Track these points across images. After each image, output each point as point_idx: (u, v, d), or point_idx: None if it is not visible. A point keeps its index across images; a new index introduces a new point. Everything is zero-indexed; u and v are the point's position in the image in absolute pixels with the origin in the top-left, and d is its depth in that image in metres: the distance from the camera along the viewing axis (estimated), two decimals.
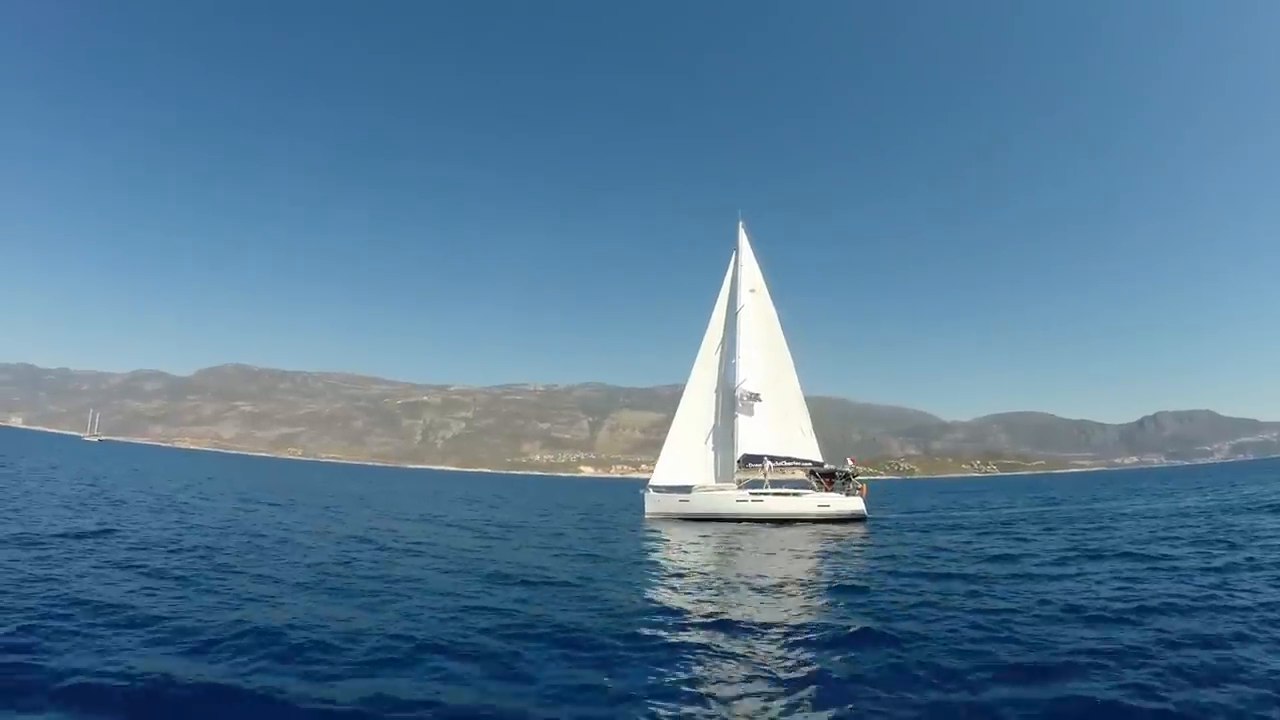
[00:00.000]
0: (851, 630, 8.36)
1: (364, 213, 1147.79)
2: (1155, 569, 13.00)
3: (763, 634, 8.40)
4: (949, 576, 12.71)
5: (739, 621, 8.98)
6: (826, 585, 12.29)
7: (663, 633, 8.39)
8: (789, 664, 7.16)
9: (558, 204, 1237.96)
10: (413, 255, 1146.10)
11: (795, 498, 28.80)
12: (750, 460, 30.61)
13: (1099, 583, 11.64)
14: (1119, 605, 9.65)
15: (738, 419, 31.01)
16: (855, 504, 28.47)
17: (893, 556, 16.16)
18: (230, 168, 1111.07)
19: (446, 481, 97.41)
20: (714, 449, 31.29)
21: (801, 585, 12.39)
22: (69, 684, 5.92)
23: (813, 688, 6.40)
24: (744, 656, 7.44)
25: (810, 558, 16.64)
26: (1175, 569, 12.87)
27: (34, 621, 7.49)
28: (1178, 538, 18.29)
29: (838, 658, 7.35)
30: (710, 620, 9.13)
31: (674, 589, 11.92)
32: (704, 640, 8.06)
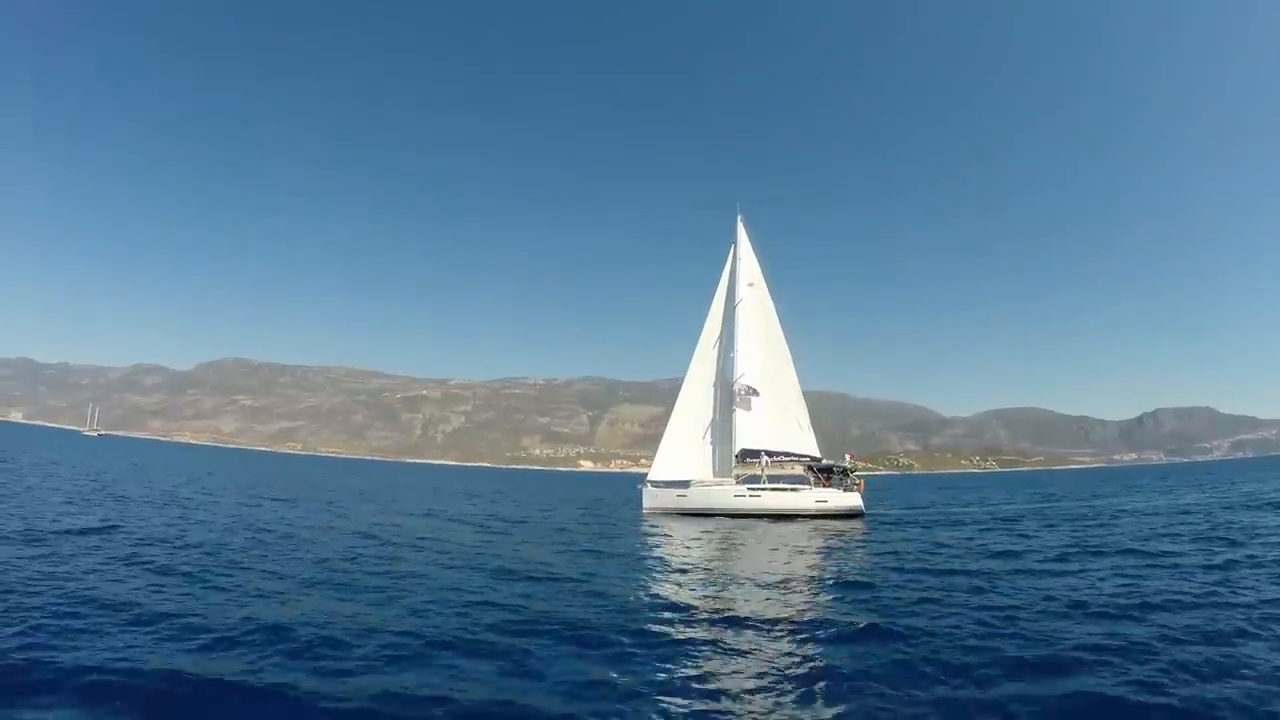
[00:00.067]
0: (858, 626, 8.42)
1: (364, 205, 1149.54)
2: (1157, 566, 13.09)
3: (769, 630, 8.44)
4: (952, 573, 12.78)
5: (746, 617, 9.03)
6: (831, 581, 12.34)
7: (670, 629, 8.43)
8: (797, 660, 7.20)
9: (558, 197, 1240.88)
10: (412, 248, 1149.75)
11: (793, 493, 28.76)
12: (748, 455, 30.41)
13: (1102, 579, 11.72)
14: (1122, 601, 9.73)
15: (735, 413, 30.82)
16: (853, 499, 28.44)
17: (896, 552, 16.21)
18: (230, 160, 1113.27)
19: (446, 476, 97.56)
20: (712, 444, 31.08)
21: (806, 581, 12.45)
22: (81, 682, 5.93)
23: (821, 683, 6.43)
24: (752, 652, 7.48)
25: (813, 554, 16.69)
26: (1177, 566, 12.95)
27: (44, 619, 7.50)
28: (1179, 534, 18.39)
29: (845, 654, 7.39)
30: (717, 616, 9.17)
31: (679, 585, 11.97)
32: (711, 636, 8.11)
